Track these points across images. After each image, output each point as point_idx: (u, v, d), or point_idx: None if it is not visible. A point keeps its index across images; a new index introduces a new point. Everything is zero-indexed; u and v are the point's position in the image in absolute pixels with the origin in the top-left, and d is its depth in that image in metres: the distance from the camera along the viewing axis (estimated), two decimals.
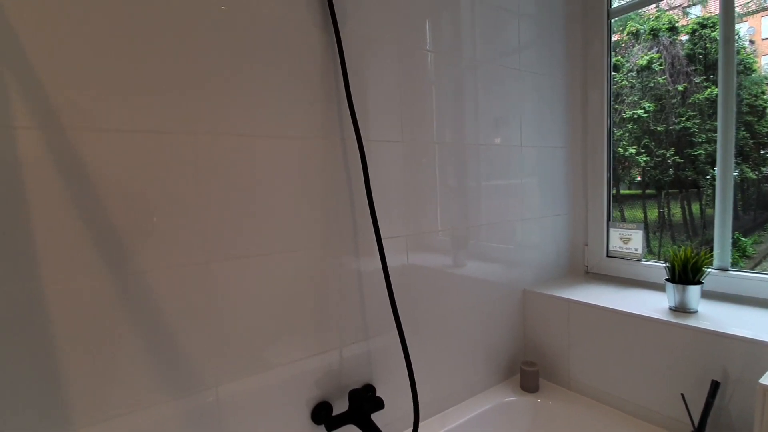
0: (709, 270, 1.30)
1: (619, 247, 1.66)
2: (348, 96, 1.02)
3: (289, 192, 0.99)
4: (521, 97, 1.50)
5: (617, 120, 2.10)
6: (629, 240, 1.64)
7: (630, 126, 3.10)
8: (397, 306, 1.06)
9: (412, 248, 1.22)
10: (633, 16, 3.13)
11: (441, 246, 1.30)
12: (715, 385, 1.04)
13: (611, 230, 1.67)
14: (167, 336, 0.84)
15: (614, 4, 1.59)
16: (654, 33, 3.33)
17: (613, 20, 1.60)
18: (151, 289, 0.82)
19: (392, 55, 1.15)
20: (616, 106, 1.99)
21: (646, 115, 3.17)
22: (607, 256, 1.67)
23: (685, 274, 1.23)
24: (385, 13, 1.13)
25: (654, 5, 2.26)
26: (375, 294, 1.14)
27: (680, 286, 1.23)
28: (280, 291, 0.98)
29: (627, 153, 3.02)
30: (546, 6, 1.56)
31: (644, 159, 2.78)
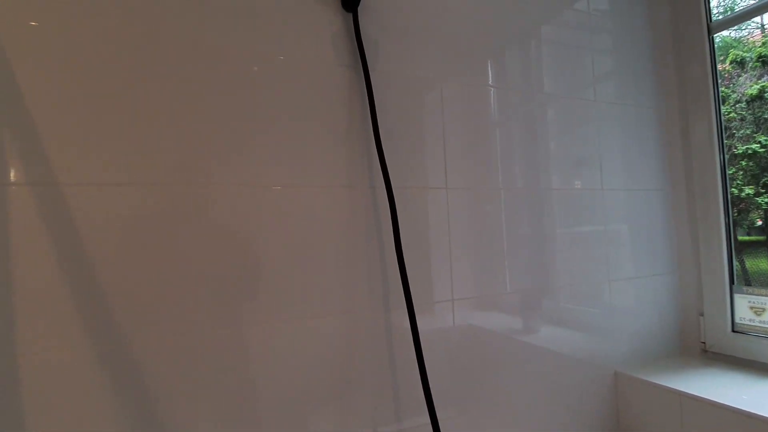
0: None
1: (750, 320, 1.25)
2: (376, 137, 0.88)
3: (312, 248, 0.84)
4: (601, 132, 1.25)
5: (728, 156, 1.71)
6: (763, 311, 1.23)
7: (744, 163, 2.58)
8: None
9: (470, 307, 1.01)
10: (735, 44, 2.72)
11: (508, 305, 1.06)
12: None
13: (737, 296, 1.28)
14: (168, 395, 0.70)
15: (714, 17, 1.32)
16: (763, 60, 2.85)
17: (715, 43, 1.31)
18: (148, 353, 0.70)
19: (442, 93, 1.00)
20: (726, 141, 1.62)
21: (763, 149, 2.63)
22: (733, 330, 1.27)
23: None
24: (436, 49, 1.00)
25: (759, 31, 1.91)
26: (410, 364, 0.91)
27: None
28: (298, 360, 0.82)
29: (743, 194, 2.49)
30: (625, 34, 1.33)
31: (766, 200, 2.25)
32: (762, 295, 1.23)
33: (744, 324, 1.25)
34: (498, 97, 1.09)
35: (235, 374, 0.77)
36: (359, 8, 0.91)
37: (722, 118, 1.32)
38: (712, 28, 1.32)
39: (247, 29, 0.82)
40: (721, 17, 1.32)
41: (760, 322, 1.22)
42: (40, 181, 0.66)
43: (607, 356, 1.21)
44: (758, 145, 2.45)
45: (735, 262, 1.32)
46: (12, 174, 0.65)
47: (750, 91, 2.61)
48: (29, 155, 0.66)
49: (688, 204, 1.37)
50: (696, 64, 1.33)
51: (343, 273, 0.87)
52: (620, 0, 1.33)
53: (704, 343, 1.33)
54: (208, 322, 0.75)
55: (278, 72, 0.84)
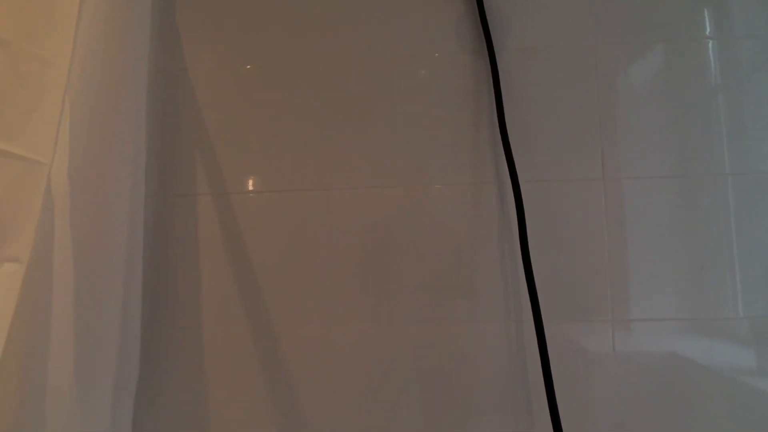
0: None
1: None
2: (501, 125, 0.78)
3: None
4: None
5: None
6: None
7: None
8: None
9: (673, 331, 0.80)
10: None
11: (734, 335, 0.78)
12: None
13: None
14: (286, 388, 0.82)
15: None
16: None
17: None
18: (278, 342, 0.82)
19: (597, 61, 0.82)
20: None
21: None
22: None
23: None
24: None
25: None
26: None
27: None
28: (400, 362, 0.81)
29: None
30: None
31: None
32: None
33: None
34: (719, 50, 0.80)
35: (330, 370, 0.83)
36: None
37: None
38: None
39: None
40: None
41: None
42: (218, 192, 0.86)
43: None
44: None
45: None
46: (200, 186, 0.86)
47: None
48: (211, 171, 0.86)
49: None
50: None
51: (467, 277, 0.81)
52: None
53: None
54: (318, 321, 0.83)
55: (397, 69, 0.84)
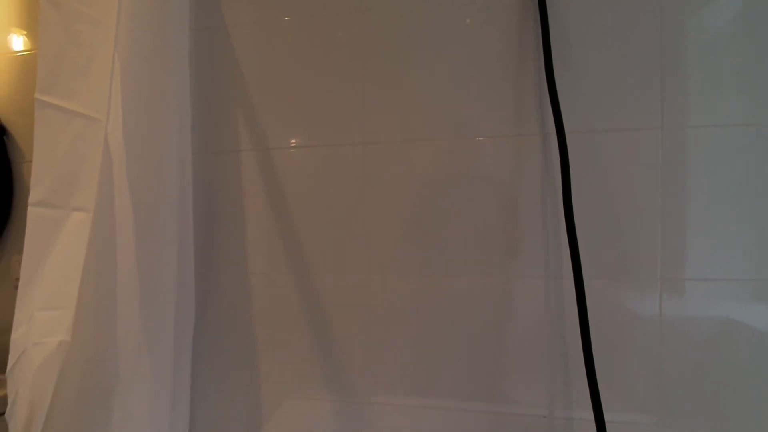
0: None
1: None
2: (548, 70, 0.72)
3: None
4: None
5: None
6: None
7: None
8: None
9: (729, 295, 0.73)
10: None
11: None
12: None
13: None
14: (332, 338, 0.86)
15: None
16: None
17: None
18: (322, 293, 0.86)
19: None
20: None
21: None
22: None
23: None
24: None
25: None
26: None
27: None
28: (442, 316, 0.82)
29: None
30: None
31: None
32: None
33: None
34: None
35: (377, 316, 0.85)
36: None
37: None
38: None
39: None
40: None
41: None
42: (259, 147, 0.88)
43: None
44: None
45: None
46: (242, 142, 0.89)
47: None
48: (252, 127, 0.89)
49: None
50: None
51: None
52: None
53: None
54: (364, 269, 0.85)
55: (440, 18, 0.80)
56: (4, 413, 0.93)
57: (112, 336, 0.72)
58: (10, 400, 0.64)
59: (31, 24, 1.00)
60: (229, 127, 0.89)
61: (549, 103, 0.74)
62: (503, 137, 0.79)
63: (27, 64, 1.00)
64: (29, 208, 0.61)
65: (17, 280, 1.00)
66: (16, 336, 0.63)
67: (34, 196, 0.61)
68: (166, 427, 0.83)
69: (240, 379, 0.90)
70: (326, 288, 0.86)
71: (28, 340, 0.65)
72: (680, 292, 0.74)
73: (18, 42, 1.01)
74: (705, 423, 0.73)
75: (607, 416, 0.67)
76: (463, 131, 0.80)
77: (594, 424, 0.67)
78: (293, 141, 0.87)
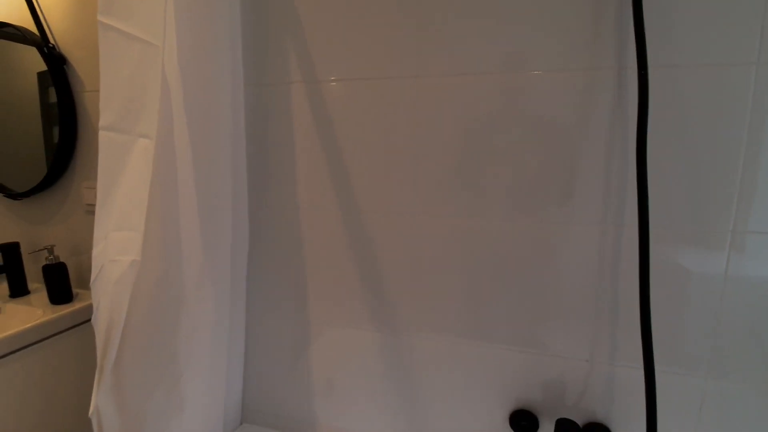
0: None
1: None
2: None
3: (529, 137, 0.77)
4: None
5: None
6: None
7: None
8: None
9: None
10: None
11: None
12: None
13: None
14: (377, 274, 0.89)
15: None
16: None
17: None
18: (369, 230, 0.87)
19: None
20: None
21: None
22: None
23: None
24: None
25: None
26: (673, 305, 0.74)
27: None
28: (489, 259, 0.82)
29: None
30: None
31: None
32: None
33: None
34: None
35: (432, 257, 0.86)
36: None
37: None
38: None
39: None
40: None
41: None
42: (310, 79, 0.86)
43: None
44: None
45: None
46: (293, 74, 0.87)
47: None
48: (303, 59, 0.86)
49: None
50: None
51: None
52: None
53: None
54: (413, 208, 0.85)
55: None
56: (90, 320, 1.05)
57: (177, 258, 0.77)
58: (94, 308, 0.72)
59: None
60: (279, 59, 0.87)
61: (631, 31, 0.66)
62: (569, 71, 0.72)
63: None
64: (100, 132, 0.63)
65: (88, 205, 1.08)
66: (96, 252, 0.69)
67: (104, 119, 0.63)
68: (225, 341, 0.91)
69: (289, 306, 0.96)
70: (373, 224, 0.87)
71: (105, 257, 0.71)
72: (751, 249, 0.69)
73: None
74: (752, 385, 0.72)
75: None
76: (522, 64, 0.74)
77: (635, 371, 0.67)
78: (344, 73, 0.84)
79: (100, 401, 0.75)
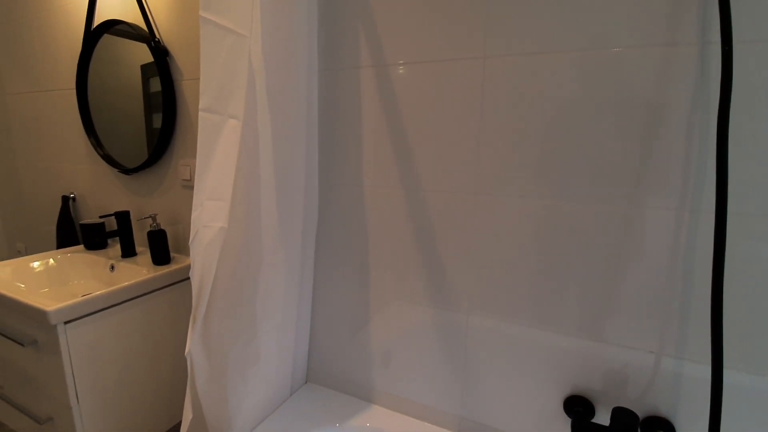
0: None
1: None
2: None
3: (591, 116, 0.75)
4: None
5: None
6: None
7: None
8: None
9: None
10: None
11: None
12: None
13: None
14: (439, 253, 0.92)
15: None
16: None
17: None
18: (427, 206, 0.91)
19: None
20: None
21: None
22: None
23: None
24: None
25: None
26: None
27: None
28: (557, 243, 0.81)
29: None
30: None
31: None
32: None
33: None
34: None
35: (490, 238, 0.87)
36: None
37: None
38: None
39: None
40: None
41: None
42: (379, 63, 0.90)
43: None
44: None
45: None
46: (363, 59, 0.92)
47: None
48: (372, 44, 0.91)
49: None
50: None
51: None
52: None
53: None
54: (471, 187, 0.87)
55: None
56: (183, 280, 1.21)
57: (257, 227, 0.87)
58: (191, 266, 0.84)
59: None
60: (350, 45, 0.92)
61: (715, 4, 0.62)
62: (650, 47, 0.69)
63: None
64: (200, 113, 0.73)
65: (183, 180, 1.23)
66: (194, 216, 0.80)
67: (202, 102, 0.73)
68: (294, 305, 1.00)
69: (353, 279, 1.03)
70: (437, 204, 0.90)
71: (200, 222, 0.82)
72: None
73: None
74: None
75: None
76: (597, 41, 0.72)
77: (706, 368, 0.64)
78: (412, 57, 0.87)
79: (193, 346, 0.88)
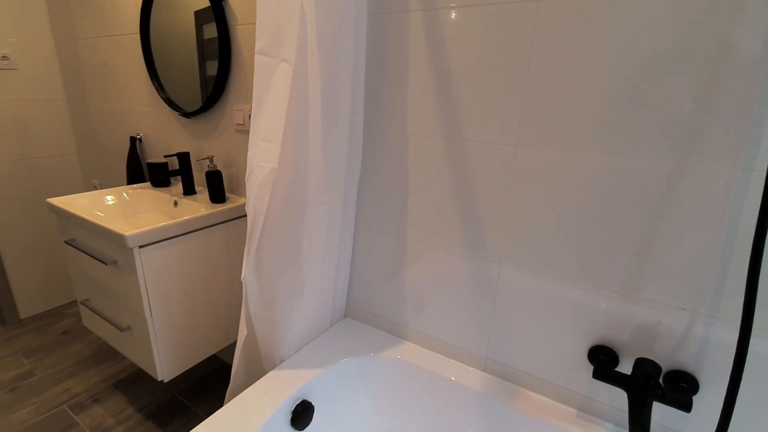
0: None
1: None
2: None
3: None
4: None
5: None
6: None
7: None
8: None
9: None
10: None
11: None
12: None
13: None
14: (472, 198, 0.94)
15: None
16: None
17: None
18: (468, 156, 0.92)
19: None
20: None
21: None
22: None
23: None
24: None
25: None
26: None
27: None
28: (596, 197, 0.81)
29: None
30: None
31: None
32: None
33: None
34: None
35: (529, 192, 0.88)
36: None
37: None
38: None
39: None
40: None
41: None
42: (428, 6, 0.89)
43: None
44: None
45: None
46: (412, 2, 0.91)
47: None
48: None
49: None
50: None
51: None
52: None
53: None
54: (512, 139, 0.86)
55: None
56: (236, 218, 1.32)
57: (305, 168, 0.92)
58: (247, 202, 0.92)
59: None
60: None
61: None
62: None
63: None
64: (255, 56, 0.77)
65: (237, 124, 1.30)
66: (249, 155, 0.87)
67: (258, 45, 0.77)
68: (336, 243, 1.08)
69: (392, 224, 1.08)
70: (478, 155, 0.91)
71: (254, 162, 0.89)
72: None
73: None
74: None
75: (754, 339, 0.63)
76: None
77: (735, 337, 0.64)
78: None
79: (247, 273, 0.99)
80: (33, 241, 1.95)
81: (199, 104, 1.35)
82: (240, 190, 1.39)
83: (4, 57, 1.75)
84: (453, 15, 0.87)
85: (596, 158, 0.78)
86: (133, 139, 1.65)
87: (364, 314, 1.22)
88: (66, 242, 1.30)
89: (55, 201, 1.29)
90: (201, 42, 1.30)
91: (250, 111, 1.13)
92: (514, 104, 0.84)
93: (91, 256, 1.20)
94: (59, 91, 1.94)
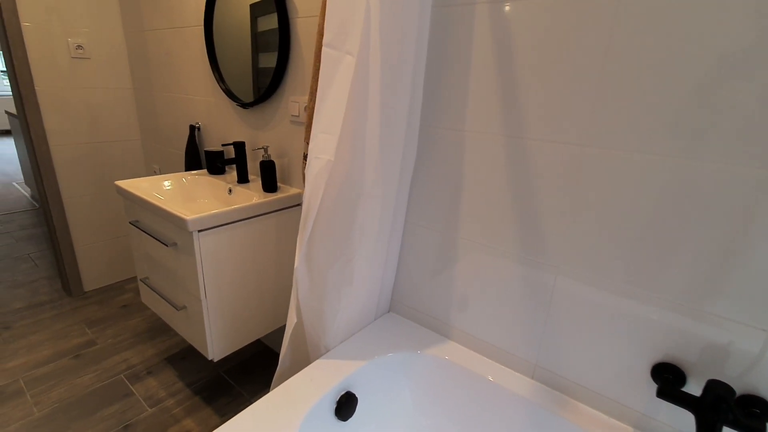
0: None
1: None
2: None
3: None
4: None
5: None
6: None
7: None
8: None
9: None
10: None
11: None
12: None
13: None
14: (531, 200, 0.91)
15: None
16: None
17: None
18: (530, 156, 0.89)
19: None
20: None
21: None
22: None
23: None
24: None
25: None
26: None
27: None
28: (673, 206, 0.76)
29: None
30: None
31: None
32: None
33: None
34: None
35: (595, 195, 0.84)
36: None
37: None
38: None
39: None
40: None
41: None
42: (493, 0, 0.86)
43: None
44: None
45: None
46: None
47: None
48: None
49: None
50: None
51: None
52: None
53: None
54: (578, 139, 0.82)
55: None
56: (288, 207, 1.35)
57: (360, 162, 0.92)
58: (304, 191, 0.93)
59: None
60: None
61: None
62: None
63: None
64: (323, 48, 0.78)
65: (292, 116, 1.33)
66: (310, 146, 0.88)
67: (326, 37, 0.77)
68: (386, 237, 1.08)
69: (442, 220, 1.07)
70: (538, 154, 0.87)
71: (313, 153, 0.90)
72: None
73: None
74: None
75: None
76: None
77: None
78: None
79: (299, 263, 1.01)
80: (99, 219, 2.10)
81: (250, 95, 1.39)
82: (292, 180, 1.42)
83: (79, 47, 1.87)
84: (521, 8, 0.83)
85: (668, 161, 0.73)
86: (192, 128, 1.72)
87: (409, 310, 1.21)
88: (130, 223, 1.38)
89: (123, 184, 1.37)
90: (255, 35, 1.33)
91: (306, 103, 1.15)
92: (585, 103, 0.80)
93: (153, 237, 1.27)
94: (127, 79, 2.06)
